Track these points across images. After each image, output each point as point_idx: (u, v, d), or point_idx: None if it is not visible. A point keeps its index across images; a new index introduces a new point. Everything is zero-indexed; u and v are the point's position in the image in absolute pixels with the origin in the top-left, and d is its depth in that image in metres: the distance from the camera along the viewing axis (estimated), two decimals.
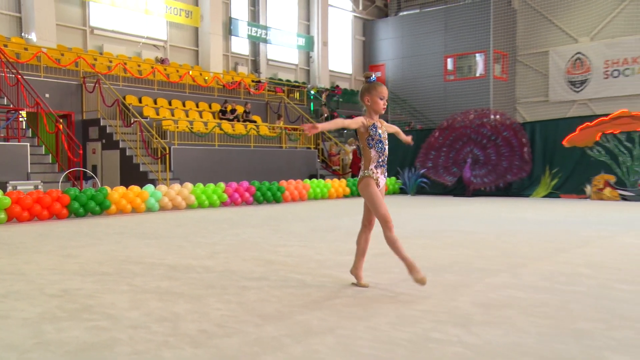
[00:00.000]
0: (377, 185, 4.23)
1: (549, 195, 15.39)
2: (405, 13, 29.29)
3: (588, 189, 14.56)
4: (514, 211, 11.39)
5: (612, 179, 14.32)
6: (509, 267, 5.12)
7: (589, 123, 14.88)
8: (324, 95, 24.08)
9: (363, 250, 4.47)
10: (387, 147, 4.28)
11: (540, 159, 15.77)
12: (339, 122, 4.09)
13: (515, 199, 15.04)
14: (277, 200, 14.40)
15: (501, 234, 7.63)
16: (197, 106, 19.56)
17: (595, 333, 3.11)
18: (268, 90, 22.43)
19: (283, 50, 26.04)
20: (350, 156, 20.95)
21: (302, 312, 3.61)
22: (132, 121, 15.96)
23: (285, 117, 21.39)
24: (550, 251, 6.07)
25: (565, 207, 12.43)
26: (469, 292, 4.11)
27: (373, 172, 4.21)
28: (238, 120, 19.04)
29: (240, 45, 24.52)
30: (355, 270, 4.44)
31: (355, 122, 4.13)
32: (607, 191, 14.28)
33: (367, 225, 4.53)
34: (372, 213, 4.39)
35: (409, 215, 10.74)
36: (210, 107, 19.90)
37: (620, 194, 14.13)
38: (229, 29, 23.42)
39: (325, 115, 22.14)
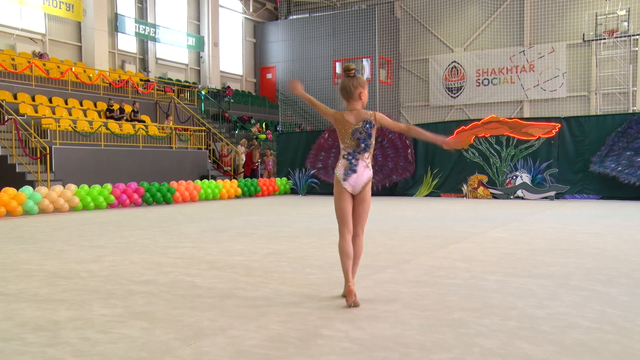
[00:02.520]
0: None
1: (431, 194, 16.19)
2: (295, 17, 29.57)
3: (464, 188, 15.49)
4: (399, 209, 11.86)
5: (484, 178, 15.35)
6: (395, 263, 5.32)
7: (464, 127, 15.81)
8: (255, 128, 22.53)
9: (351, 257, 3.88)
10: (361, 140, 3.85)
11: (423, 160, 16.55)
12: (323, 107, 3.92)
13: (400, 198, 15.67)
14: (167, 201, 13.97)
15: (387, 231, 7.91)
16: (81, 104, 18.50)
17: (469, 321, 3.31)
18: (157, 90, 21.68)
19: (173, 49, 25.31)
20: (243, 157, 20.79)
21: (192, 314, 3.53)
22: (5, 119, 14.78)
23: (175, 117, 20.80)
24: (431, 247, 6.39)
25: (445, 205, 13.14)
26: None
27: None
28: (126, 120, 18.24)
29: (128, 43, 23.51)
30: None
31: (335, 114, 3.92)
32: (481, 190, 15.28)
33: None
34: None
35: (299, 214, 10.85)
36: (95, 105, 18.89)
37: (492, 193, 15.17)
38: (114, 25, 22.37)
39: (258, 160, 20.56)
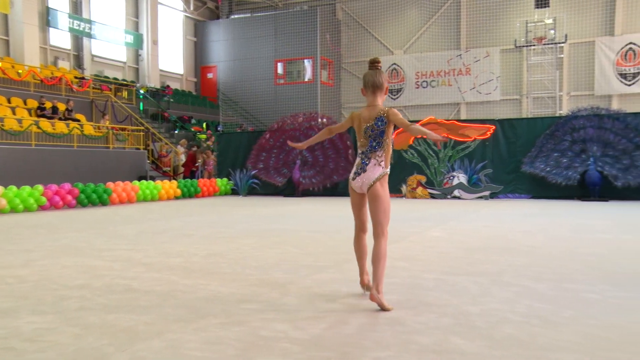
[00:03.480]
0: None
1: None
2: (236, 16, 29.31)
3: (404, 188, 15.76)
4: (340, 210, 11.94)
5: (423, 179, 15.68)
6: (335, 263, 5.34)
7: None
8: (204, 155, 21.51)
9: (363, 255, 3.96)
10: (372, 138, 3.72)
11: None
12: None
13: (341, 199, 15.79)
14: (103, 202, 13.54)
15: (327, 231, 7.95)
16: (9, 102, 17.66)
17: (407, 319, 3.37)
18: (93, 88, 20.97)
19: (110, 46, 24.56)
20: (183, 157, 20.41)
21: (128, 318, 3.43)
22: None
23: (112, 116, 20.20)
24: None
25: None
26: (297, 289, 4.22)
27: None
28: (59, 119, 17.57)
29: (61, 39, 22.63)
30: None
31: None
32: (419, 190, 15.60)
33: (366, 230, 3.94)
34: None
35: (239, 215, 10.76)
36: (25, 103, 18.08)
37: (430, 193, 15.51)
38: (46, 19, 21.48)
39: (200, 161, 20.06)
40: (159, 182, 15.91)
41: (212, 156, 20.02)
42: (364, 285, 3.98)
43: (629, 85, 23.11)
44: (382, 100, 3.76)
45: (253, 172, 17.55)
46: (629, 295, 3.94)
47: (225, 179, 18.40)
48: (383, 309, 3.55)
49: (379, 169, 3.68)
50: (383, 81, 3.71)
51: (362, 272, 3.98)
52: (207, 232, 8.00)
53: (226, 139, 19.07)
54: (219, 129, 24.87)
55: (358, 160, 3.77)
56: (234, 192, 18.23)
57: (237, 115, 27.27)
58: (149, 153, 19.96)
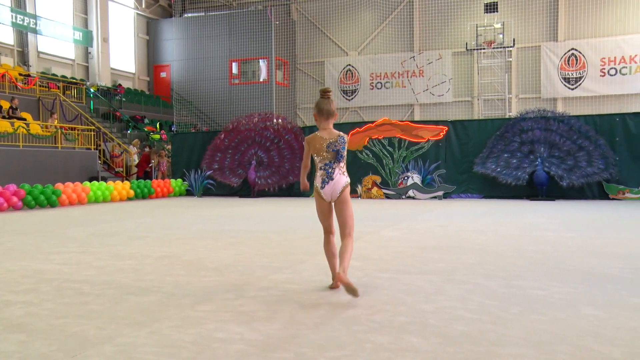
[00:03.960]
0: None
1: None
2: (190, 15, 28.91)
3: (359, 188, 15.89)
4: (295, 210, 11.95)
5: (378, 179, 15.85)
6: (291, 263, 5.35)
7: (358, 129, 16.20)
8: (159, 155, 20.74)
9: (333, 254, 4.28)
10: (334, 150, 4.26)
11: None
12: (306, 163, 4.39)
13: (296, 199, 15.79)
14: (52, 204, 13.13)
15: (283, 232, 7.94)
16: None
17: (362, 318, 3.40)
18: (40, 86, 20.31)
19: (57, 43, 23.81)
20: (136, 158, 19.98)
21: (78, 323, 3.34)
22: None
23: (61, 115, 19.61)
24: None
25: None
26: (252, 290, 4.20)
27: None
28: (3, 117, 16.94)
29: (3, 34, 21.79)
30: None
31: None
32: (374, 190, 15.77)
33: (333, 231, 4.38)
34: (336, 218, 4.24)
35: (194, 216, 10.63)
36: None
37: (385, 193, 15.69)
38: None
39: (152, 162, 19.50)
40: (111, 183, 15.56)
41: (166, 157, 19.71)
42: (337, 287, 4.22)
43: (572, 89, 23.97)
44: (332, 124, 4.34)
45: (208, 173, 17.35)
46: (573, 290, 4.09)
47: (179, 180, 18.13)
48: (349, 288, 3.77)
49: (344, 178, 4.23)
50: (334, 109, 4.31)
51: (334, 271, 4.23)
52: (161, 233, 7.87)
53: (180, 139, 18.80)
54: (172, 129, 24.50)
55: (321, 172, 4.24)
56: (189, 193, 17.99)
57: (191, 115, 26.90)
58: (100, 153, 19.49)
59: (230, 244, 6.68)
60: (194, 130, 23.24)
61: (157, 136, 23.23)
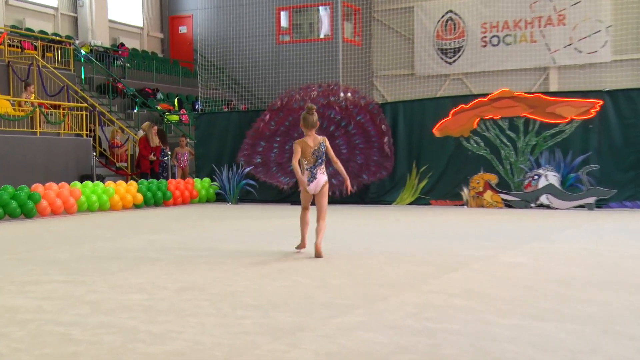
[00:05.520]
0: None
1: (417, 201, 16.30)
2: None
3: (465, 192, 15.68)
4: (372, 224, 11.88)
5: (493, 179, 15.58)
6: (365, 300, 5.31)
7: (463, 105, 15.99)
8: (154, 131, 21.21)
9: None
10: (317, 157, 8.05)
11: (405, 152, 16.65)
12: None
13: (373, 208, 15.73)
14: (27, 214, 13.63)
15: (355, 255, 7.93)
16: None
17: None
18: (10, 46, 21.04)
19: None
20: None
21: None
22: None
23: (39, 87, 20.30)
24: (417, 277, 6.42)
25: (437, 217, 13.25)
26: (311, 339, 4.19)
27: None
28: None
29: None
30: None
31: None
32: (488, 195, 15.52)
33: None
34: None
35: (227, 231, 10.76)
36: None
37: (504, 199, 15.40)
38: None
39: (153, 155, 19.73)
40: (110, 184, 15.97)
41: (188, 146, 20.07)
42: (302, 248, 8.27)
43: None
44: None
45: (247, 170, 17.53)
46: None
47: (206, 180, 18.42)
48: (319, 253, 7.75)
49: (324, 177, 8.09)
50: (316, 121, 8.16)
51: (304, 239, 8.30)
52: (181, 255, 8.00)
53: (208, 121, 19.10)
54: (197, 107, 24.93)
55: (307, 173, 8.03)
56: (220, 198, 18.26)
57: (222, 88, 27.32)
58: (95, 142, 20.04)
59: (278, 271, 6.72)
60: (226, 109, 23.58)
61: (174, 117, 23.74)
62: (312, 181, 7.98)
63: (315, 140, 8.02)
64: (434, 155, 16.28)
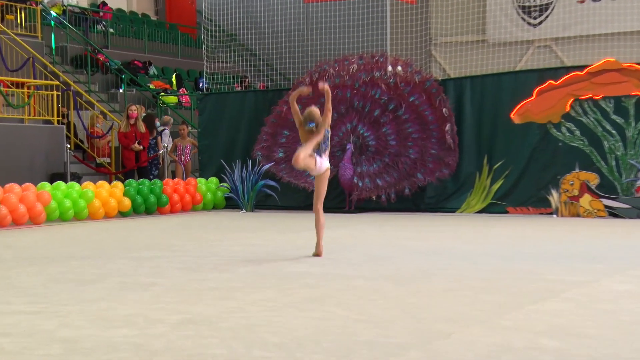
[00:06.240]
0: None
1: (489, 208, 16.19)
2: None
3: (554, 197, 15.57)
4: (429, 238, 11.85)
5: (593, 179, 15.43)
6: (421, 339, 5.30)
7: (552, 82, 15.85)
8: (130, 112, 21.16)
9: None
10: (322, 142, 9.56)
11: (474, 144, 16.54)
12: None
13: (431, 217, 15.69)
14: None
15: (406, 279, 7.90)
16: None
17: None
18: None
19: None
20: (168, 141, 20.23)
21: None
22: None
23: None
24: (489, 309, 6.37)
25: (516, 229, 13.16)
26: None
27: None
28: None
29: None
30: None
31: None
32: (586, 201, 15.38)
33: None
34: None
35: (240, 247, 10.79)
36: None
37: (607, 207, 15.26)
38: None
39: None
40: (89, 186, 16.06)
41: (190, 136, 20.11)
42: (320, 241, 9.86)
43: None
44: None
45: (266, 167, 17.54)
46: None
47: (213, 180, 18.47)
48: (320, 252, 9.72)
49: (326, 163, 9.63)
50: (319, 116, 9.52)
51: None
52: (181, 280, 8.03)
53: (216, 103, 19.17)
54: (201, 84, 25.01)
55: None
56: (231, 203, 18.32)
57: (234, 61, 27.41)
58: (69, 130, 20.14)
59: (307, 300, 6.72)
60: (239, 89, 23.61)
61: (172, 99, 23.84)
62: (317, 160, 9.47)
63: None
64: (512, 147, 16.15)
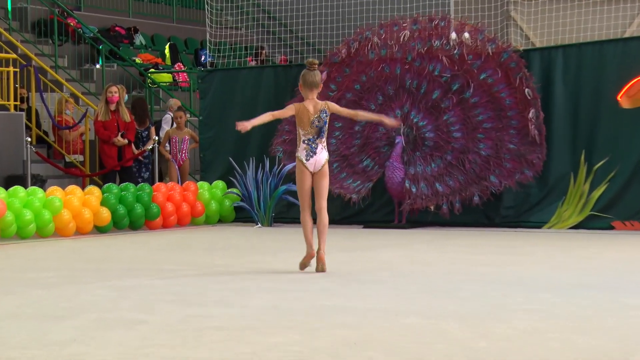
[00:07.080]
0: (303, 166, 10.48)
1: (589, 222, 16.17)
2: None
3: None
4: (507, 261, 11.86)
5: None
6: None
7: None
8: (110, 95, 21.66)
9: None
10: (318, 127, 10.37)
11: (567, 136, 16.53)
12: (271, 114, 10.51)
13: (509, 233, 15.71)
14: None
15: (473, 316, 7.90)
16: None
17: None
18: None
19: None
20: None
21: None
22: None
23: None
24: (587, 357, 6.37)
25: (626, 251, 13.12)
26: None
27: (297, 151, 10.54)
28: None
29: None
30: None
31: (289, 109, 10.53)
32: None
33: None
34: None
35: (250, 276, 10.84)
36: None
37: None
38: None
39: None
40: (55, 192, 16.18)
41: (188, 128, 20.19)
42: (310, 259, 10.60)
43: None
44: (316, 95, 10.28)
45: (289, 168, 17.60)
46: None
47: (218, 184, 18.57)
48: (324, 266, 10.48)
49: (325, 153, 10.53)
50: (319, 81, 10.31)
51: (311, 244, 10.59)
52: (176, 315, 8.08)
53: (222, 84, 19.27)
54: (202, 58, 25.15)
55: (305, 146, 10.40)
56: (242, 215, 18.44)
57: (246, 27, 27.53)
58: (30, 119, 20.30)
59: (343, 345, 6.73)
60: (253, 63, 23.73)
61: (164, 77, 23.97)
62: (311, 157, 10.42)
63: (316, 106, 10.39)
64: (618, 141, 16.11)
